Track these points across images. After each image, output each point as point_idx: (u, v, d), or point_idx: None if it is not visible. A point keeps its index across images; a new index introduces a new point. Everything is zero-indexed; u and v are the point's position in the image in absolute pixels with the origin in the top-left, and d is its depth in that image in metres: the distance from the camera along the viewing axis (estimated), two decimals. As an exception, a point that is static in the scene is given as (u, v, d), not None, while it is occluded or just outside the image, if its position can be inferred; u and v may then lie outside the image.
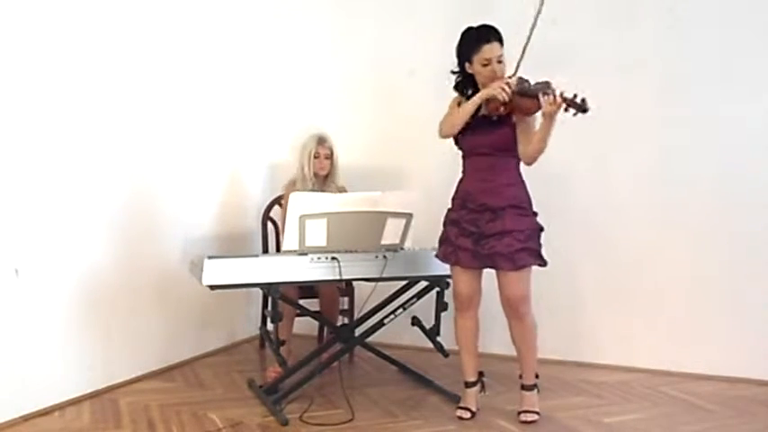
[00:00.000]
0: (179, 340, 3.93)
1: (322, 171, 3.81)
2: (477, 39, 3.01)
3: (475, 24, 3.06)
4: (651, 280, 3.90)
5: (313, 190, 3.73)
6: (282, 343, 3.37)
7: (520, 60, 2.88)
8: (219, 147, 4.19)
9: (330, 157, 3.83)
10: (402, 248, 3.33)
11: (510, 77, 2.93)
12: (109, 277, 3.43)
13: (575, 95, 2.77)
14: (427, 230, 3.37)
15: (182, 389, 3.56)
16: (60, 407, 3.18)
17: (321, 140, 3.82)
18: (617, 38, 3.85)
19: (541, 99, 2.82)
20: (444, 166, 4.09)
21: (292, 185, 3.82)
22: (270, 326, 3.32)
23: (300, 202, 3.14)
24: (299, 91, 4.56)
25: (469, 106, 3.02)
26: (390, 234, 3.26)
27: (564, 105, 2.79)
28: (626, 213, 3.93)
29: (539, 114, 2.93)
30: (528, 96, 2.89)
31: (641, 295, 3.92)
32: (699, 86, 3.76)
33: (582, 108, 2.76)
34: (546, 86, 2.83)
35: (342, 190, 3.87)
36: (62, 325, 3.22)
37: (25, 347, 3.05)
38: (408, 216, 3.26)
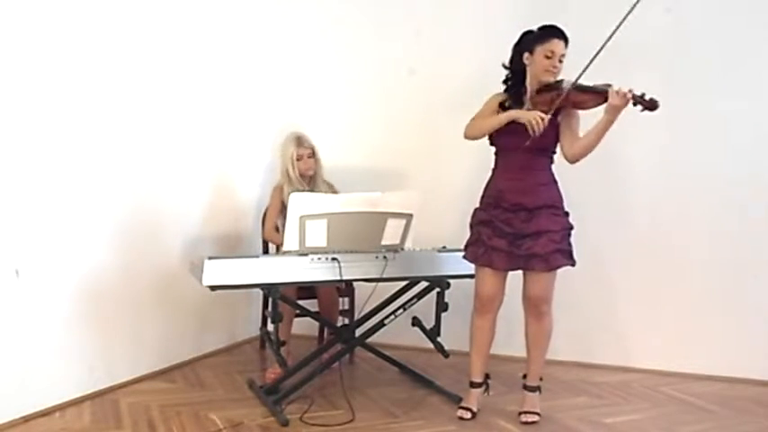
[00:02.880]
0: (179, 341, 3.93)
1: (309, 171, 3.79)
2: (548, 31, 3.01)
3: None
4: (651, 280, 3.90)
5: (303, 191, 3.69)
6: (283, 343, 3.37)
7: (587, 66, 2.88)
8: (220, 147, 4.19)
9: (313, 155, 3.81)
10: (402, 249, 3.33)
11: (546, 114, 2.92)
12: (109, 278, 3.43)
13: (643, 93, 2.82)
14: (428, 231, 3.37)
15: (182, 389, 3.56)
16: (61, 407, 3.18)
17: (300, 141, 3.79)
18: (616, 37, 3.84)
19: (610, 92, 2.84)
20: (445, 166, 4.12)
21: (279, 191, 3.81)
22: (270, 326, 3.33)
23: (300, 203, 3.14)
24: (299, 91, 4.55)
25: (501, 118, 3.01)
26: (391, 234, 3.26)
27: (632, 101, 2.82)
28: (625, 213, 3.93)
29: (577, 118, 3.02)
30: (587, 92, 2.92)
31: (641, 295, 3.93)
32: (699, 85, 3.76)
33: (651, 105, 2.81)
34: (608, 85, 2.88)
35: (330, 186, 3.86)
36: (63, 326, 3.22)
37: (26, 348, 3.05)
38: (408, 216, 3.26)
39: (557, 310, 3.91)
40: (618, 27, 2.82)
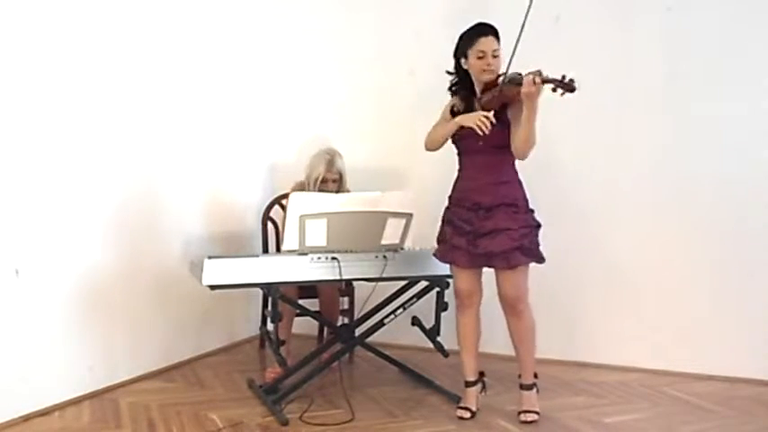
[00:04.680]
0: (179, 340, 3.93)
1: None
2: (473, 31, 3.04)
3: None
4: (651, 279, 3.90)
5: None
6: (282, 343, 3.37)
7: (511, 57, 2.89)
8: (220, 147, 4.19)
9: (338, 180, 3.75)
10: (402, 248, 3.33)
11: (490, 113, 2.94)
12: (109, 277, 3.43)
13: (563, 76, 2.74)
14: (427, 230, 3.37)
15: (182, 389, 3.56)
16: (60, 407, 3.18)
17: (329, 166, 3.71)
18: (616, 36, 3.85)
19: (524, 80, 2.81)
20: (444, 166, 4.10)
21: (300, 189, 3.79)
22: (270, 326, 3.33)
23: (300, 202, 3.14)
24: (298, 90, 4.56)
25: (450, 126, 3.07)
26: (390, 234, 3.27)
27: (550, 86, 2.76)
28: (626, 212, 3.92)
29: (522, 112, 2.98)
30: (515, 84, 2.89)
31: (641, 295, 3.92)
32: (699, 85, 3.76)
33: (569, 87, 2.73)
34: (534, 73, 2.80)
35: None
36: (62, 325, 3.22)
37: (25, 347, 3.05)
38: (408, 216, 3.26)
39: (557, 310, 3.92)
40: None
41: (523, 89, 2.80)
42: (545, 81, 2.77)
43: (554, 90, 2.77)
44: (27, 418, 3.04)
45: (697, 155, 3.79)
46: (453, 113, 3.15)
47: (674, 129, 3.82)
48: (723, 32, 3.71)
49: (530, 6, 2.78)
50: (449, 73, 3.16)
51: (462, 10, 4.07)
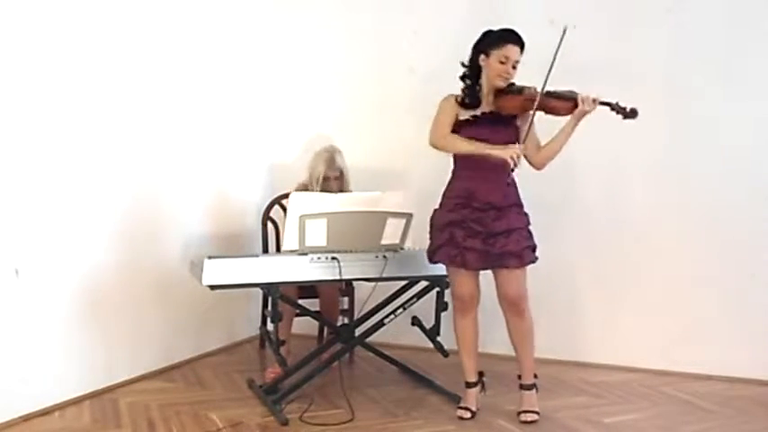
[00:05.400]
0: (179, 340, 3.93)
1: (332, 192, 3.73)
2: (503, 36, 3.04)
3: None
4: (651, 279, 3.90)
5: None
6: (282, 343, 3.37)
7: (548, 75, 2.93)
8: (220, 147, 4.19)
9: (340, 177, 3.75)
10: (402, 248, 3.33)
11: (516, 145, 3.00)
12: (109, 277, 3.43)
13: (617, 103, 2.97)
14: (427, 230, 3.37)
15: (182, 389, 3.56)
16: (60, 407, 3.18)
17: (330, 163, 3.72)
18: (617, 38, 3.85)
19: (579, 99, 2.95)
20: (444, 166, 4.11)
21: (303, 189, 3.79)
22: (270, 326, 3.33)
23: (300, 202, 3.14)
24: (298, 90, 4.55)
25: (473, 149, 3.03)
26: (390, 234, 3.27)
27: (614, 111, 2.97)
28: (626, 213, 3.93)
29: (533, 122, 3.06)
30: (561, 98, 3.00)
31: (641, 295, 3.93)
32: (699, 86, 3.76)
33: (630, 115, 2.96)
34: (575, 93, 2.98)
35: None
36: (62, 325, 3.22)
37: (25, 347, 3.05)
38: (408, 216, 3.26)
39: (557, 310, 3.92)
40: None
41: (583, 107, 2.95)
42: (604, 104, 2.97)
43: (616, 112, 2.99)
44: (27, 418, 3.04)
45: (697, 155, 3.79)
46: (462, 105, 3.11)
47: (672, 130, 3.82)
48: (723, 33, 3.72)
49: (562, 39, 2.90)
50: (463, 65, 3.14)
51: (461, 10, 4.09)
